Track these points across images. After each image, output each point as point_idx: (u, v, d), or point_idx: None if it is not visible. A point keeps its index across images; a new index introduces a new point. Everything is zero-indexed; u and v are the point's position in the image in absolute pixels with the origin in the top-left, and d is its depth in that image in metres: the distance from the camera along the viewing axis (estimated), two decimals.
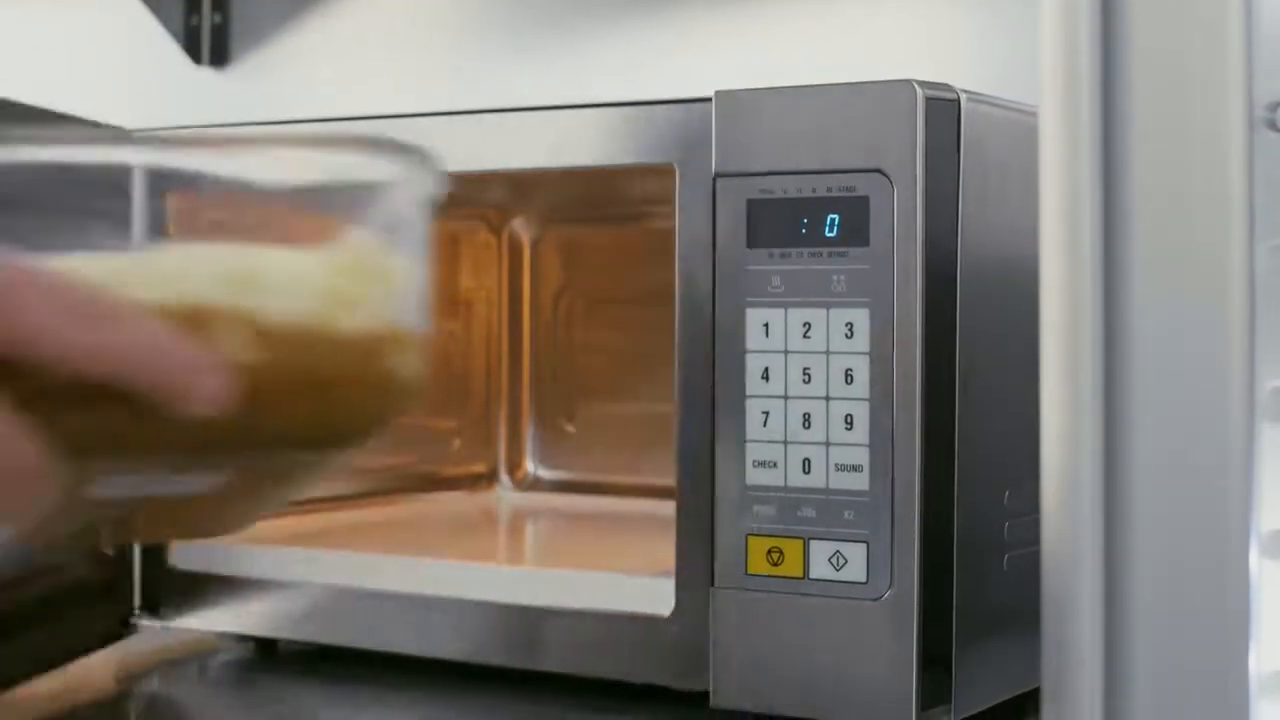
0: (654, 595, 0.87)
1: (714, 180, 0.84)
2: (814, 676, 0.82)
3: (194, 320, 0.49)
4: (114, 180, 0.52)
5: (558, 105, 0.90)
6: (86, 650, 1.01)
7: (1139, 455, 0.61)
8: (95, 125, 0.95)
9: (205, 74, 1.43)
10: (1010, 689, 0.86)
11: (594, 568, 0.93)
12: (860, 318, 0.81)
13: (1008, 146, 0.84)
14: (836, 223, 0.81)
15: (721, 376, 0.84)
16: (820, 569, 0.82)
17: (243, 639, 1.03)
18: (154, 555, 1.02)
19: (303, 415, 0.51)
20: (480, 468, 1.31)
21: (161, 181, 0.52)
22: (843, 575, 0.81)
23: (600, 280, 1.27)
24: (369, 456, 1.05)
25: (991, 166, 0.84)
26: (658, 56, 1.26)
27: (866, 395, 0.81)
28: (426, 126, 0.94)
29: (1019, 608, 0.80)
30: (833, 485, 0.81)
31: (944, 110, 0.81)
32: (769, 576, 0.83)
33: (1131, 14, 0.61)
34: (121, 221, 0.52)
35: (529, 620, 0.91)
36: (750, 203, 0.83)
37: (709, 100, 0.84)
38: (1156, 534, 0.61)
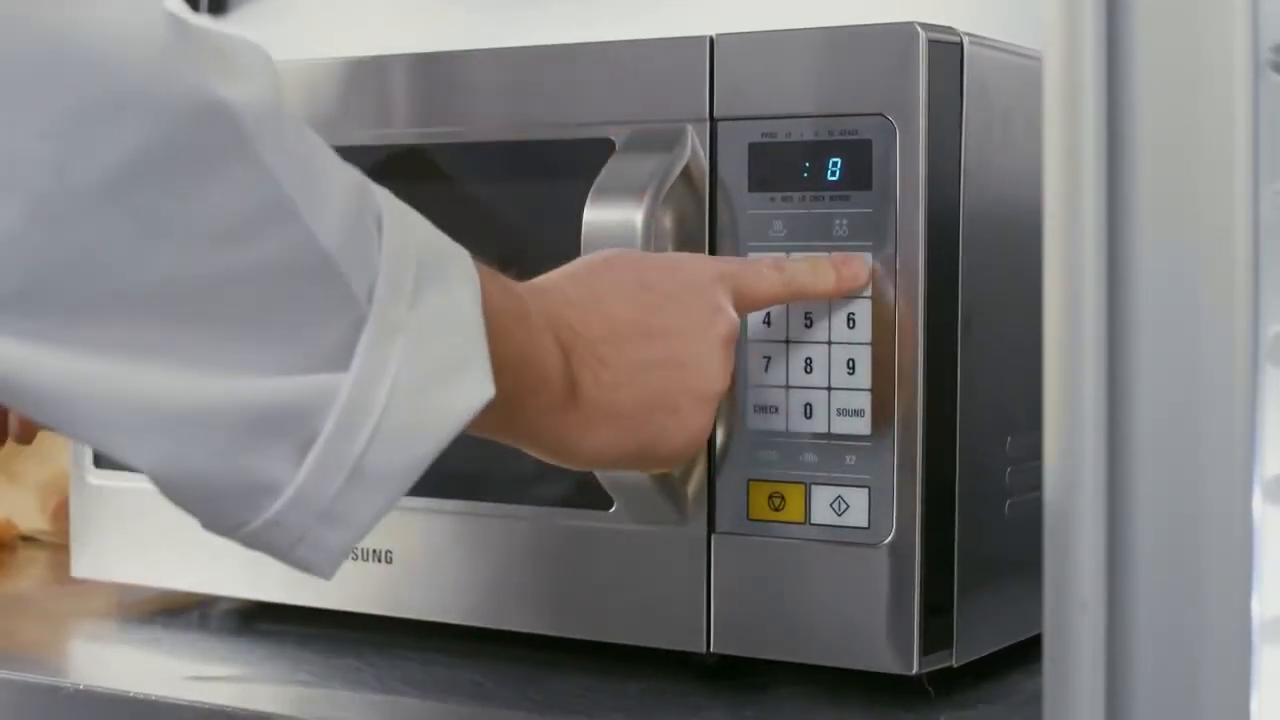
0: None
1: (714, 124, 0.83)
2: (815, 622, 0.81)
3: None
4: None
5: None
6: None
7: (1141, 400, 0.61)
8: None
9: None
10: (1012, 635, 0.86)
11: None
12: None
13: (1011, 90, 0.84)
14: (839, 166, 0.81)
15: None
16: (822, 514, 0.81)
17: None
18: None
19: None
20: None
21: None
22: (845, 520, 0.81)
23: None
24: None
25: (995, 110, 0.83)
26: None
27: (868, 340, 0.80)
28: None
29: (1021, 554, 0.80)
30: (834, 430, 0.81)
31: (947, 53, 0.80)
32: (770, 522, 0.83)
33: None
34: None
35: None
36: (751, 146, 0.83)
37: (709, 42, 0.84)
38: (1159, 479, 0.61)
